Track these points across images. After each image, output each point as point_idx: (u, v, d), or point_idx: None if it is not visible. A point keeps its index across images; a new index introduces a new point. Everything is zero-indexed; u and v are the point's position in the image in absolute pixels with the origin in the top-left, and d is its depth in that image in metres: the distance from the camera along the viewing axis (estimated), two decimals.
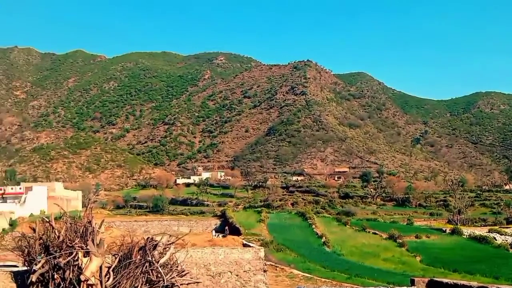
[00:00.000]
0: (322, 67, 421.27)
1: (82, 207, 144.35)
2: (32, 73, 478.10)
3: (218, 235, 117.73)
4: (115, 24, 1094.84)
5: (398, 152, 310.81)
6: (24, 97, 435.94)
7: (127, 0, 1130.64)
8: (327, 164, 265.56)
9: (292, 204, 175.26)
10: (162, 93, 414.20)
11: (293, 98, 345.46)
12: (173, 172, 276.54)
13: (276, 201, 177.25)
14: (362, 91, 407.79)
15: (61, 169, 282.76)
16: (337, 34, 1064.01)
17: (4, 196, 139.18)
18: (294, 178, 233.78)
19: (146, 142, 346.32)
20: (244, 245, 51.89)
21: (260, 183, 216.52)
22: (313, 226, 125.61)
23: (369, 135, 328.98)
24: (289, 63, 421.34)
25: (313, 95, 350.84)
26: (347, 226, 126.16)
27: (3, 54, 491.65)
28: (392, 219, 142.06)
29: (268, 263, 56.58)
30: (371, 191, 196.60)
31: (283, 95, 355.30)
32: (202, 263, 34.45)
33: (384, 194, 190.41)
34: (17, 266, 39.74)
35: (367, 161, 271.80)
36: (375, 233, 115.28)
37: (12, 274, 20.99)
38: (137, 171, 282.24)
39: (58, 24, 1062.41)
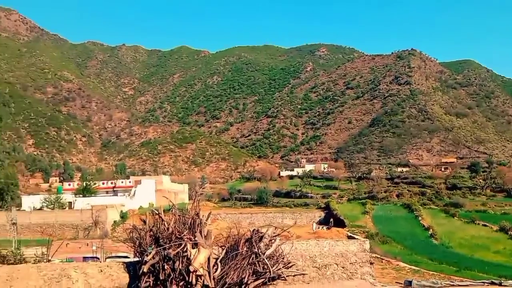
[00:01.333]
0: (426, 55, 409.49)
1: (189, 199, 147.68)
2: (139, 70, 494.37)
3: (322, 227, 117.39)
4: (218, 20, 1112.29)
5: (509, 141, 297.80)
6: (132, 94, 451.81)
7: None
8: (433, 155, 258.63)
9: (397, 196, 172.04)
10: (264, 86, 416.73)
11: (397, 88, 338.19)
12: (276, 165, 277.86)
13: (381, 192, 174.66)
14: (469, 79, 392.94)
15: (168, 163, 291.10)
16: (442, 21, 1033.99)
17: (115, 189, 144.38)
18: (399, 169, 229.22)
19: (249, 135, 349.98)
20: (349, 237, 51.34)
21: (364, 175, 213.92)
22: (419, 218, 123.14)
23: (478, 124, 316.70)
24: (392, 53, 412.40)
25: (418, 84, 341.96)
26: (455, 218, 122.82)
27: (111, 52, 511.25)
28: (503, 211, 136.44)
29: (374, 255, 55.73)
30: (480, 182, 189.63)
31: (387, 85, 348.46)
32: (308, 255, 34.27)
33: (494, 185, 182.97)
34: (129, 257, 41.05)
35: (476, 151, 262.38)
36: (485, 225, 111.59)
37: (124, 264, 21.62)
38: (241, 164, 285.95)
39: (163, 22, 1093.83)
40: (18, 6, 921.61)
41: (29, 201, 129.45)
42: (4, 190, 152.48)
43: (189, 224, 22.44)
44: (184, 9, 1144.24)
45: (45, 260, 30.71)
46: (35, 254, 36.26)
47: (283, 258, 25.17)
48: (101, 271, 7.68)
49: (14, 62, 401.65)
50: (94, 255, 70.39)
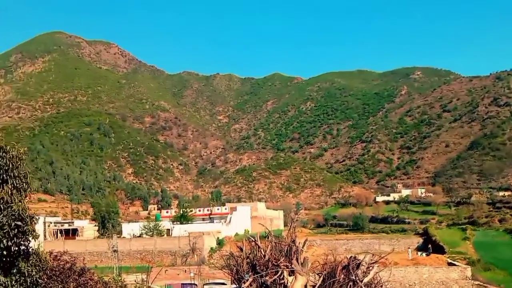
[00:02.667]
0: None
1: (284, 226, 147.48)
2: (233, 98, 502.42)
3: (422, 253, 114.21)
4: (309, 46, 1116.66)
5: None
6: (226, 121, 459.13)
7: (320, 24, 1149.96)
8: None
9: (500, 221, 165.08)
10: (358, 111, 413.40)
11: (496, 110, 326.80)
12: (372, 190, 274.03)
13: (482, 218, 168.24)
14: None
15: (262, 189, 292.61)
16: None
17: (211, 216, 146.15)
18: (501, 193, 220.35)
19: (344, 160, 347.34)
20: (449, 264, 49.71)
21: (464, 199, 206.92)
22: None
23: None
24: (490, 74, 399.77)
25: None
26: None
27: (206, 81, 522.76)
28: None
29: (476, 283, 53.65)
30: None
31: (485, 107, 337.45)
32: (406, 282, 33.51)
33: None
34: (225, 284, 41.31)
35: None
36: None
37: None
38: (336, 190, 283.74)
39: (255, 50, 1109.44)
40: (117, 40, 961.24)
41: (129, 228, 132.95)
42: (105, 217, 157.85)
43: (285, 251, 22.34)
44: (276, 37, 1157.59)
45: (145, 287, 31.40)
46: (135, 281, 37.17)
47: (381, 286, 24.62)
48: None
49: (114, 94, 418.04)
50: (192, 282, 71.33)
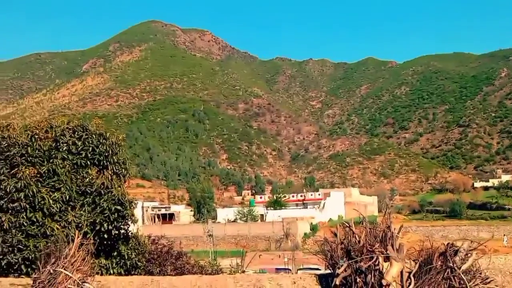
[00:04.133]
0: None
1: (378, 212, 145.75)
2: (326, 83, 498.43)
3: None
4: (404, 30, 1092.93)
5: None
6: (319, 107, 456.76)
7: (414, 7, 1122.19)
8: None
9: None
10: (455, 94, 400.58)
11: None
12: (470, 176, 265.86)
13: None
14: None
15: (356, 175, 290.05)
16: None
17: (304, 202, 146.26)
18: None
19: (440, 145, 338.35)
20: None
21: None
22: None
23: None
24: None
25: None
26: None
27: (299, 67, 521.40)
28: None
29: None
30: None
31: None
32: (507, 270, 32.20)
33: None
34: (320, 269, 41.21)
35: None
36: None
37: (317, 277, 21.72)
38: (432, 175, 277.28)
39: (348, 34, 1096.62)
40: (211, 27, 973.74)
41: (223, 214, 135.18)
42: (201, 203, 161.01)
43: (380, 237, 22.07)
44: (368, 22, 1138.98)
45: (240, 271, 31.80)
46: (230, 265, 37.67)
47: (480, 273, 23.93)
48: (294, 282, 7.69)
49: (208, 81, 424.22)
50: (286, 267, 71.74)
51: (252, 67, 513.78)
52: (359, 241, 23.65)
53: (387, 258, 23.02)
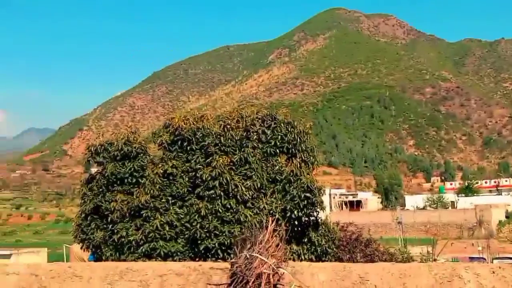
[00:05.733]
0: None
1: None
2: None
3: None
4: None
5: None
6: None
7: None
8: None
9: None
10: None
11: None
12: None
13: None
14: None
15: None
16: None
17: (498, 188, 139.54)
18: None
19: None
20: None
21: None
22: None
23: None
24: None
25: None
26: None
27: (490, 48, 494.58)
28: None
29: None
30: None
31: None
32: None
33: None
34: None
35: None
36: None
37: None
38: None
39: None
40: (395, 11, 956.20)
41: (412, 201, 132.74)
42: (388, 190, 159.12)
43: None
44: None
45: (431, 259, 31.02)
46: (420, 253, 36.90)
47: None
48: (493, 272, 7.28)
49: (393, 66, 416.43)
50: (481, 256, 68.83)
51: (438, 50, 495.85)
52: None
53: None
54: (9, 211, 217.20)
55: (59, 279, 9.99)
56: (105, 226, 15.45)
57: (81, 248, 16.93)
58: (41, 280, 10.06)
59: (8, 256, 59.37)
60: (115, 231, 14.88)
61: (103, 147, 15.72)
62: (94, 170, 17.01)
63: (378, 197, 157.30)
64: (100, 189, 15.60)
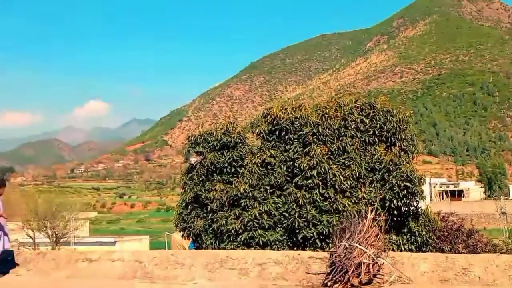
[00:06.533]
0: None
1: None
2: None
3: None
4: None
5: None
6: None
7: None
8: None
9: None
10: None
11: None
12: None
13: None
14: None
15: None
16: None
17: None
18: None
19: None
20: None
21: None
22: None
23: None
24: None
25: None
26: None
27: None
28: None
29: None
30: None
31: None
32: None
33: None
34: None
35: None
36: None
37: None
38: None
39: None
40: None
41: None
42: (492, 179, 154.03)
43: None
44: None
45: None
46: None
47: None
48: None
49: (497, 51, 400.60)
50: None
51: None
52: None
53: None
54: (113, 199, 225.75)
55: (162, 266, 10.33)
56: (205, 215, 15.79)
57: (182, 236, 17.39)
58: (145, 267, 10.43)
59: (112, 244, 62.01)
60: (215, 219, 15.18)
61: (202, 137, 16.05)
62: (194, 159, 17.39)
63: (481, 187, 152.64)
64: (200, 179, 15.94)
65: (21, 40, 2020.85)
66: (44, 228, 60.96)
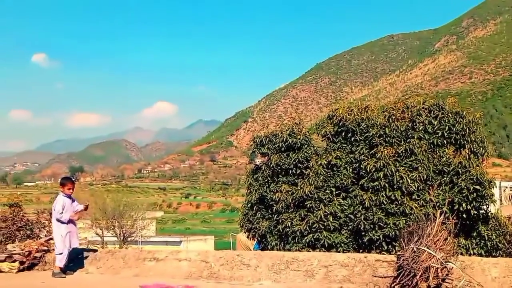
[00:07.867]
0: None
1: None
2: None
3: None
4: None
5: None
6: None
7: None
8: None
9: None
10: None
11: None
12: None
13: None
14: None
15: None
16: None
17: None
18: None
19: None
20: None
21: None
22: None
23: None
24: None
25: None
26: None
27: None
28: None
29: None
30: None
31: None
32: None
33: None
34: None
35: None
36: None
37: None
38: None
39: None
40: None
41: None
42: None
43: None
44: None
45: None
46: None
47: None
48: None
49: None
50: None
51: None
52: None
53: None
54: (179, 199, 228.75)
55: (228, 267, 10.41)
56: (270, 216, 15.83)
57: (248, 237, 17.48)
58: (211, 267, 10.54)
59: (178, 243, 62.88)
60: (280, 221, 15.19)
61: (267, 138, 16.09)
62: (259, 161, 17.46)
63: None
64: (265, 180, 15.99)
65: (92, 41, 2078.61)
66: (112, 227, 62.19)
